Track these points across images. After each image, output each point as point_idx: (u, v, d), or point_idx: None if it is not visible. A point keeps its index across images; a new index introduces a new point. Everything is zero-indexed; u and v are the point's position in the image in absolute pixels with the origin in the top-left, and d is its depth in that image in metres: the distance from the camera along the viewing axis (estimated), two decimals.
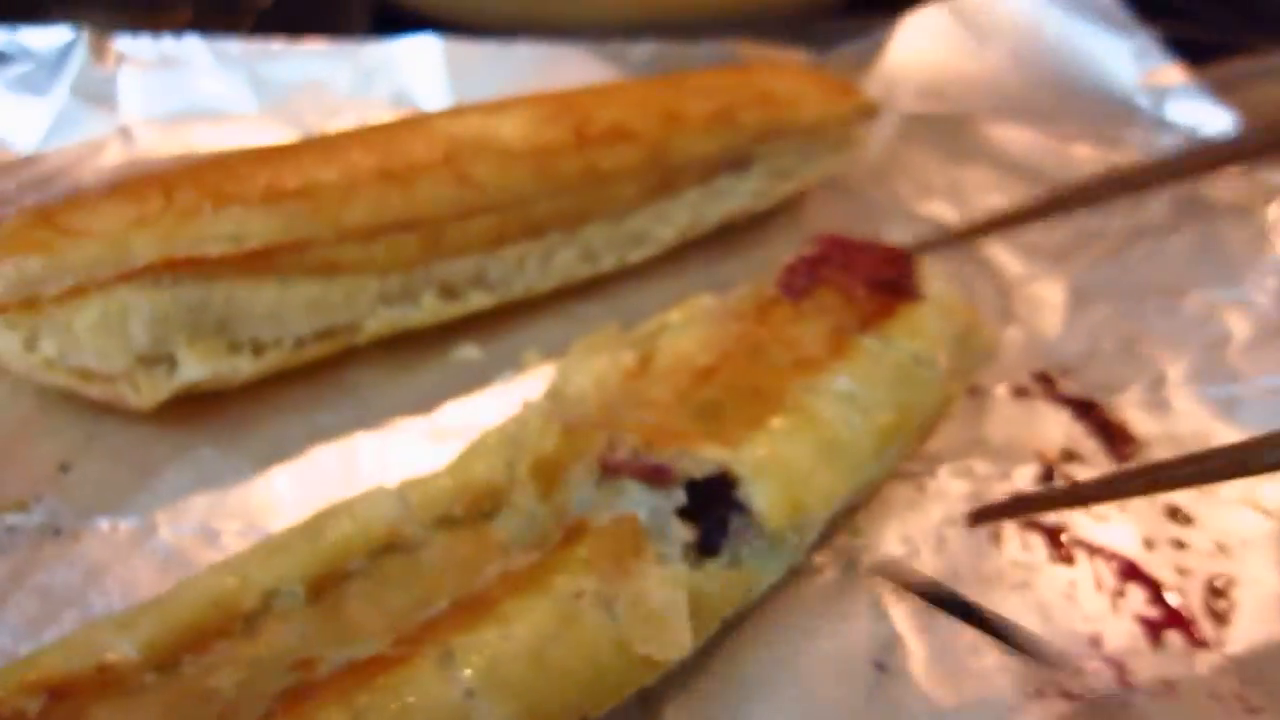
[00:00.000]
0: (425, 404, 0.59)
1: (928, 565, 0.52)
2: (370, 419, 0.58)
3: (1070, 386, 0.64)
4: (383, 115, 0.80)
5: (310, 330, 0.57)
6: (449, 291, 0.61)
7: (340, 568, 0.43)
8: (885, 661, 0.48)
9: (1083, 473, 0.59)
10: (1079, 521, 0.55)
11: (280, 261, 0.55)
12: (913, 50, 0.93)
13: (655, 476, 0.44)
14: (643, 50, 0.88)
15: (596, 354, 0.52)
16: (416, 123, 0.62)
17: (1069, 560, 0.53)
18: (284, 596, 0.42)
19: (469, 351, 0.63)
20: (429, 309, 0.60)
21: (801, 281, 0.55)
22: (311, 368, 0.59)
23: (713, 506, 0.45)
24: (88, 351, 0.53)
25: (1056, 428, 0.62)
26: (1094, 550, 0.54)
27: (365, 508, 0.45)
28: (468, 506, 0.46)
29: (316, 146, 0.60)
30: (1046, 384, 0.65)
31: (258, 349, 0.56)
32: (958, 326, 0.56)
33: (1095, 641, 0.49)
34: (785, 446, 0.46)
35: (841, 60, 0.93)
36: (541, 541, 0.44)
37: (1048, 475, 0.59)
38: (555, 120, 0.64)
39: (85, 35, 0.79)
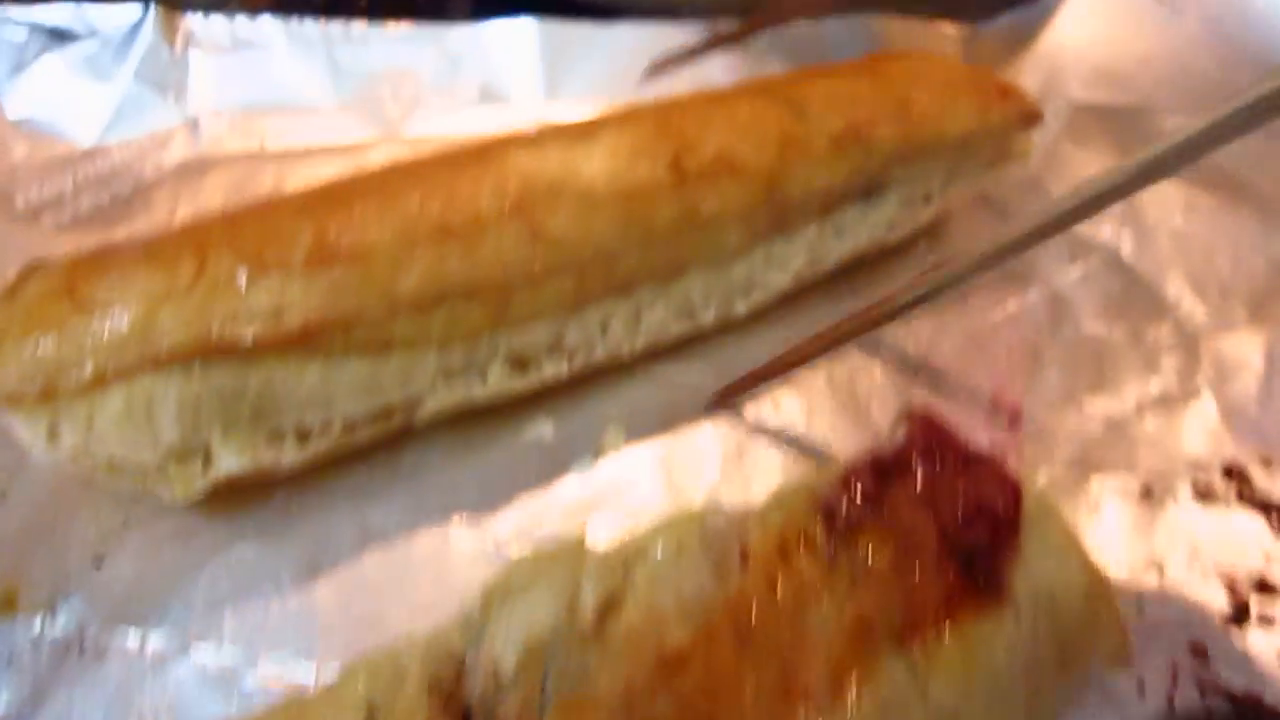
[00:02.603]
0: (490, 498, 0.52)
1: None
2: (428, 515, 0.51)
3: (1272, 486, 0.52)
4: (470, 107, 0.73)
5: (361, 412, 0.50)
6: (519, 362, 0.53)
7: None
8: None
9: None
10: None
11: (325, 340, 0.48)
12: (1084, 22, 0.78)
13: None
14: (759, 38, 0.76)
15: (549, 585, 0.39)
16: (486, 156, 0.53)
17: None
18: None
19: (542, 429, 0.55)
20: (496, 383, 0.52)
21: (854, 511, 0.42)
22: (365, 447, 0.52)
23: None
24: (113, 444, 0.47)
25: (1253, 545, 0.50)
26: None
27: None
28: None
29: (370, 190, 0.51)
30: (1241, 481, 0.53)
31: (302, 435, 0.50)
32: (1072, 611, 0.41)
33: None
34: None
35: (996, 36, 0.79)
36: None
37: (1239, 615, 0.48)
38: (649, 151, 0.54)
39: (154, 13, 0.72)
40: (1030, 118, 0.63)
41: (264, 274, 0.47)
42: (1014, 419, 0.55)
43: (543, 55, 0.74)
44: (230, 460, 0.48)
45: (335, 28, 0.73)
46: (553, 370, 0.54)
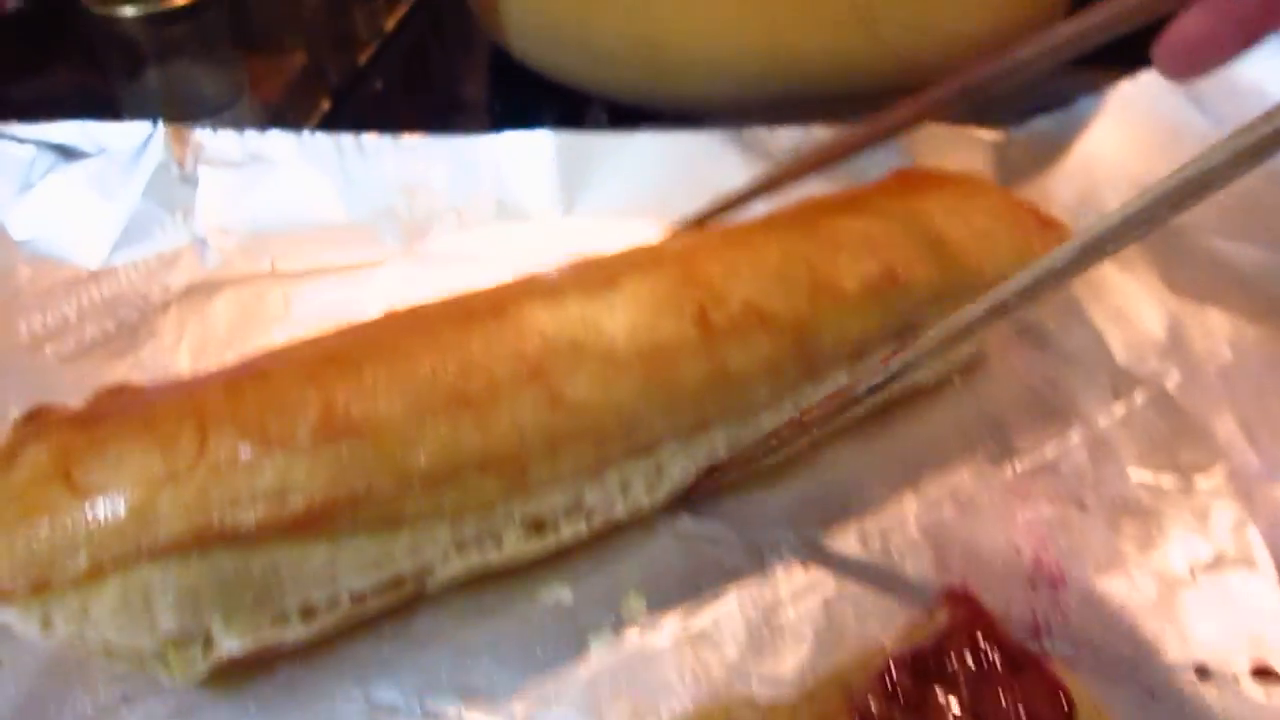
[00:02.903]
0: (505, 673, 0.49)
1: None
2: (438, 692, 0.48)
3: None
4: (486, 221, 0.71)
5: (370, 585, 0.48)
6: (536, 525, 0.50)
7: None
8: None
9: None
10: None
11: (332, 521, 0.45)
12: (1120, 130, 0.76)
13: None
14: (785, 137, 0.74)
15: None
16: (502, 311, 0.51)
17: None
18: None
19: (559, 593, 0.52)
20: (512, 549, 0.50)
21: (889, 713, 0.40)
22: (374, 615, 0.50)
23: None
24: (108, 632, 0.44)
25: None
26: None
27: None
28: None
29: (380, 352, 0.49)
30: None
31: (307, 613, 0.47)
32: None
33: None
34: None
35: (1029, 141, 0.77)
36: None
37: None
38: (673, 303, 0.51)
39: (163, 129, 0.70)
40: None
41: (268, 452, 0.45)
42: (1056, 584, 0.52)
43: (560, 167, 0.72)
44: (232, 643, 0.46)
45: (347, 140, 0.71)
46: (571, 532, 0.51)
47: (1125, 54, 0.82)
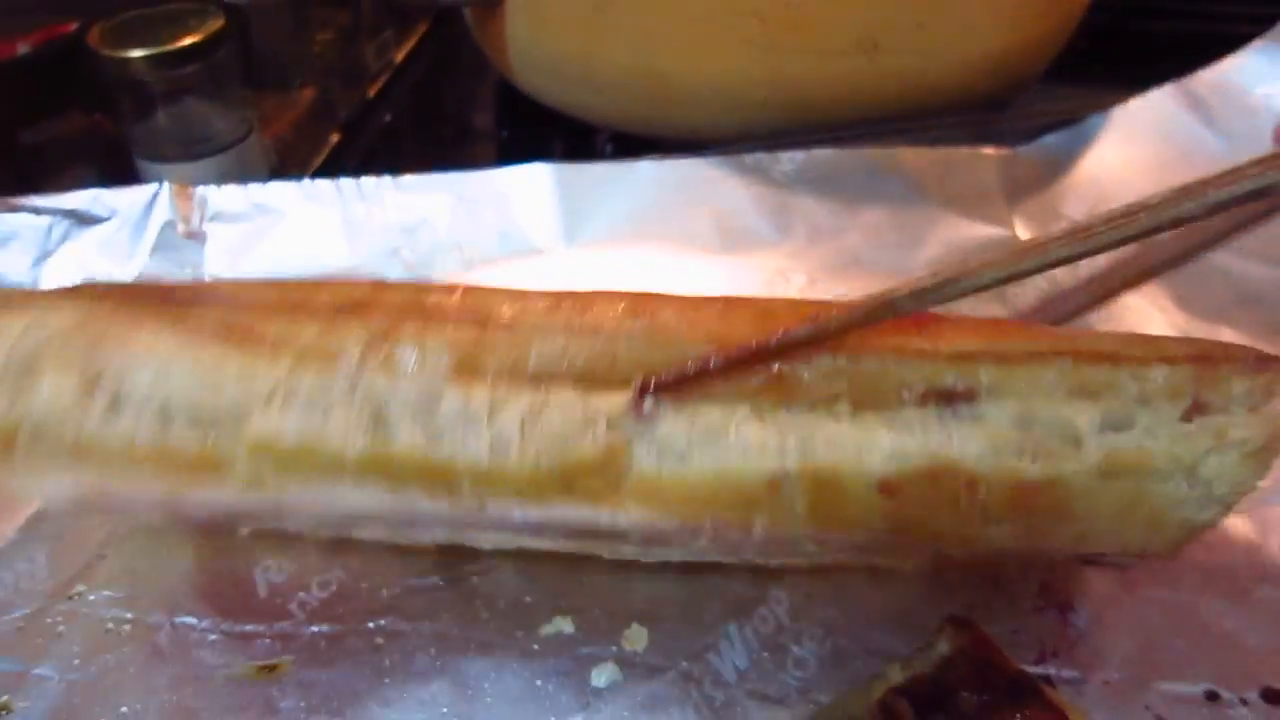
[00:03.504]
0: (505, 711, 0.49)
1: None
2: None
3: None
4: (489, 255, 0.72)
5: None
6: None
7: None
8: None
9: None
10: None
11: None
12: (1127, 147, 0.76)
13: None
14: (787, 160, 0.74)
15: None
16: None
17: None
18: None
19: (560, 624, 0.52)
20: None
21: None
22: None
23: None
24: None
25: None
26: None
27: None
28: None
29: None
30: None
31: None
32: None
33: None
34: None
35: (1036, 160, 0.77)
36: None
37: None
38: None
39: (168, 188, 0.72)
40: None
41: None
42: (1065, 609, 0.52)
43: (562, 199, 0.72)
44: None
45: (347, 184, 0.72)
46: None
47: (1133, 73, 0.83)
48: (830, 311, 0.44)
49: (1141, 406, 0.43)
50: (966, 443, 0.43)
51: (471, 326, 0.46)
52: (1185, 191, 0.39)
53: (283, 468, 0.45)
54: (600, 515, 0.44)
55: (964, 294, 0.43)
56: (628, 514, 0.44)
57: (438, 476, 0.44)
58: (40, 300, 0.49)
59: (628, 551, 0.51)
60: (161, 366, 0.45)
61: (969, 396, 0.43)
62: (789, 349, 0.44)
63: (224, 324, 0.46)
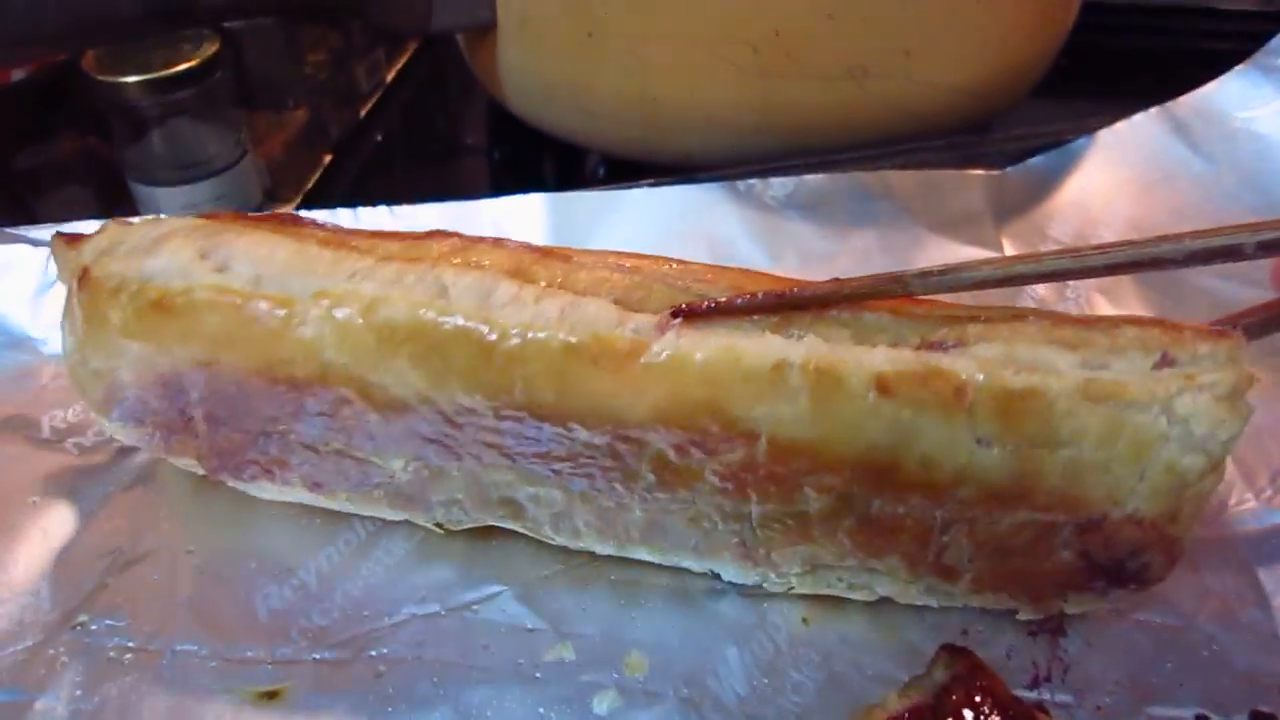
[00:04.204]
0: None
1: None
2: None
3: None
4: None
5: None
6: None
7: None
8: None
9: None
10: None
11: None
12: (1113, 170, 0.77)
13: None
14: (779, 186, 0.75)
15: None
16: None
17: None
18: None
19: (561, 651, 0.52)
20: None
21: None
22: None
23: None
24: None
25: None
26: None
27: None
28: None
29: None
30: None
31: None
32: None
33: None
34: None
35: (1023, 182, 0.78)
36: None
37: None
38: None
39: None
40: None
41: None
42: (1057, 634, 0.53)
43: (555, 227, 0.73)
44: None
45: (344, 214, 0.73)
46: None
47: (1113, 90, 0.84)
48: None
49: (1115, 355, 0.46)
50: (956, 360, 0.46)
51: (530, 253, 0.53)
52: (1165, 238, 0.44)
53: (343, 335, 0.49)
54: (618, 402, 0.47)
55: (965, 285, 0.48)
56: (643, 398, 0.47)
57: (479, 350, 0.48)
58: (165, 219, 0.56)
59: (635, 520, 0.52)
60: (267, 252, 0.52)
61: (958, 345, 0.47)
62: (804, 301, 0.49)
63: (325, 237, 0.54)
